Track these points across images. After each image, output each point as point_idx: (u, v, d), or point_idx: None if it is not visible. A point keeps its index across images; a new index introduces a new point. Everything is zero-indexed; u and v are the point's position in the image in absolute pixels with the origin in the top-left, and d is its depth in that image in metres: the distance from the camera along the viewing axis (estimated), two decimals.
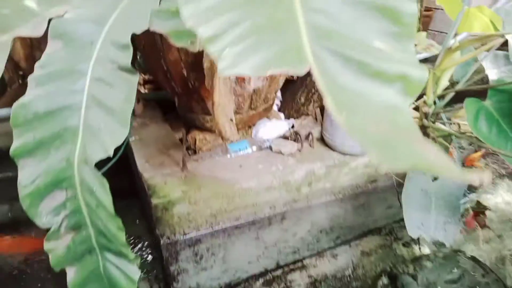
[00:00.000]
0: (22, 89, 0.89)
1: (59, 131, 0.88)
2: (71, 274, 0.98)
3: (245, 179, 1.40)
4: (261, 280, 1.61)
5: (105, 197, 0.85)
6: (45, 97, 0.89)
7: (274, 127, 1.69)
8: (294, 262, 1.67)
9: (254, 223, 1.49)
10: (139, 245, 1.77)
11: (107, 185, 0.85)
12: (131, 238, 1.80)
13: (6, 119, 0.93)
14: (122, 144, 0.87)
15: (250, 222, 1.48)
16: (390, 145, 0.42)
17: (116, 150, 0.88)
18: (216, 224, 1.41)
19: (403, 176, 1.41)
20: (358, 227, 1.80)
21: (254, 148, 1.58)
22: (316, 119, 1.82)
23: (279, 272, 1.64)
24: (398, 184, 1.54)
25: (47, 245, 0.95)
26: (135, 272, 0.96)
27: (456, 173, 0.38)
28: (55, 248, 0.94)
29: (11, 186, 1.40)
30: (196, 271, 1.48)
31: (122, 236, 0.88)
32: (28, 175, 0.88)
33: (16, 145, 0.87)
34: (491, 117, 1.27)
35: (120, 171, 1.37)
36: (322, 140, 1.64)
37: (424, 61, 2.02)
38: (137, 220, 1.91)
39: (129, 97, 0.90)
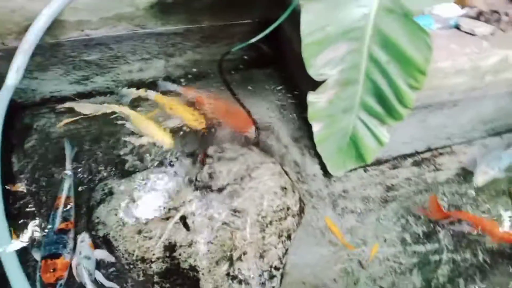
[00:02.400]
0: None
1: None
2: (317, 128, 1.02)
3: (441, 58, 1.33)
4: (410, 160, 1.65)
5: (417, 53, 0.81)
6: None
7: (453, 5, 1.54)
8: (443, 147, 1.69)
9: (427, 107, 1.47)
10: None
11: (427, 39, 0.80)
12: None
13: None
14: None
15: (425, 105, 1.46)
16: None
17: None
18: None
19: None
20: None
21: (438, 25, 1.46)
22: None
23: (427, 154, 1.67)
24: None
25: (310, 97, 0.95)
26: (385, 136, 0.97)
27: None
28: (317, 101, 0.95)
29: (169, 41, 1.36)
30: None
31: (411, 95, 0.86)
32: (314, 22, 0.83)
33: None
34: None
35: None
36: None
37: None
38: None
39: None
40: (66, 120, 1.52)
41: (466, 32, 1.44)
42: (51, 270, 1.05)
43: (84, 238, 1.16)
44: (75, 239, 1.15)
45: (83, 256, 1.12)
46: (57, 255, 1.08)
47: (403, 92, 0.86)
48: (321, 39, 0.83)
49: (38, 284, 1.04)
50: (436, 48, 1.37)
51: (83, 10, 1.50)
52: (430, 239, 1.40)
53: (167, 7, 1.61)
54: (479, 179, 1.51)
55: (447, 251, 1.37)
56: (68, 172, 1.32)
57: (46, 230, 1.15)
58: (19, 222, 1.25)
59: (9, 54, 1.41)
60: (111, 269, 1.15)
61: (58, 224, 1.15)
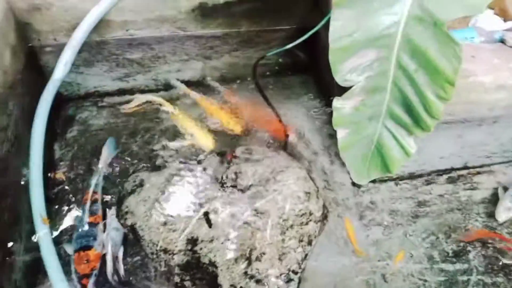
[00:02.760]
0: None
1: None
2: (342, 134, 1.01)
3: (482, 72, 1.28)
4: (445, 176, 1.59)
5: (446, 63, 0.79)
6: None
7: (496, 18, 1.48)
8: (482, 166, 1.62)
9: (464, 121, 1.41)
10: None
11: (457, 49, 0.79)
12: None
13: None
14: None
15: (462, 120, 1.40)
16: None
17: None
18: None
19: None
20: None
21: (482, 38, 1.41)
22: None
23: (464, 172, 1.61)
24: None
25: (335, 103, 0.96)
26: (412, 146, 0.95)
27: None
28: (342, 107, 0.95)
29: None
30: None
31: (439, 106, 0.84)
32: (343, 28, 0.84)
33: None
34: None
35: None
36: None
37: None
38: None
39: None
40: (132, 104, 1.65)
41: (511, 47, 1.37)
42: (85, 262, 1.12)
43: (114, 212, 1.24)
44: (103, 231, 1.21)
45: (113, 227, 1.19)
46: (89, 247, 1.14)
47: (431, 103, 0.84)
48: (349, 45, 0.83)
49: (74, 276, 1.11)
50: (477, 62, 1.33)
51: (128, 11, 1.59)
52: (459, 258, 1.34)
53: (207, 11, 1.66)
54: (502, 215, 1.43)
55: (477, 273, 1.30)
56: (100, 167, 1.38)
57: (77, 224, 1.22)
58: (55, 207, 1.34)
59: (59, 49, 1.52)
60: (136, 257, 1.21)
61: (87, 218, 1.21)
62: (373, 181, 1.53)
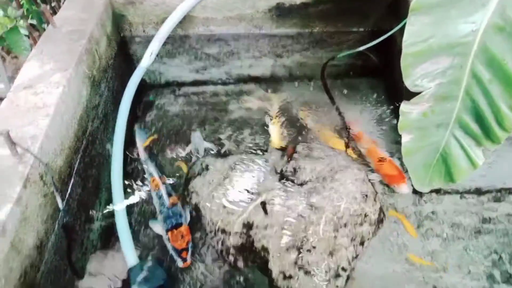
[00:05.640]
0: None
1: None
2: (407, 139, 1.02)
3: None
4: None
5: None
6: None
7: None
8: None
9: None
10: None
11: None
12: None
13: None
14: None
15: None
16: None
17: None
18: None
19: None
20: None
21: None
22: None
23: None
24: None
25: (403, 107, 0.97)
26: (480, 158, 0.93)
27: None
28: (410, 112, 0.95)
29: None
30: None
31: (510, 118, 0.82)
32: (418, 33, 0.85)
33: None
34: None
35: None
36: None
37: None
38: None
39: None
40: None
41: None
42: (180, 237, 1.23)
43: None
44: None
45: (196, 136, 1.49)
46: (179, 224, 1.26)
47: (504, 114, 0.82)
48: (423, 50, 0.84)
49: (173, 252, 1.23)
50: None
51: (210, 9, 1.71)
52: None
53: (283, 11, 1.73)
54: None
55: None
56: (143, 157, 1.50)
57: (160, 209, 1.33)
58: (130, 183, 1.50)
59: (147, 40, 1.69)
60: (197, 234, 1.31)
61: (167, 201, 1.32)
62: (437, 192, 1.49)
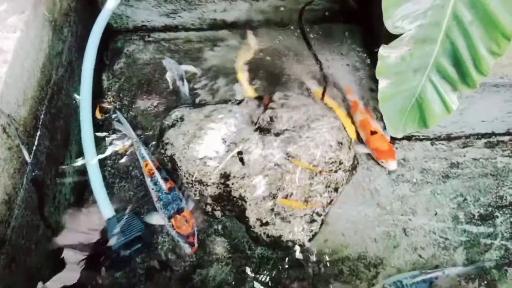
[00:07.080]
0: None
1: None
2: (383, 84, 1.01)
3: None
4: (483, 140, 1.55)
5: (506, 15, 0.76)
6: None
7: None
8: None
9: None
10: None
11: None
12: None
13: None
14: None
15: None
16: None
17: None
18: None
19: None
20: None
21: None
22: None
23: (505, 138, 1.56)
24: None
25: (382, 51, 0.94)
26: (455, 103, 0.94)
27: None
28: (388, 56, 0.93)
29: None
30: None
31: (489, 62, 0.81)
32: None
33: None
34: None
35: None
36: None
37: None
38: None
39: None
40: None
41: None
42: (185, 222, 1.19)
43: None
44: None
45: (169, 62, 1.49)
46: (181, 209, 1.21)
47: (481, 57, 0.81)
48: None
49: (179, 239, 1.18)
50: None
51: None
52: (485, 222, 1.35)
53: None
54: None
55: (502, 238, 1.31)
56: (135, 139, 1.37)
57: (159, 195, 1.24)
58: (101, 134, 1.45)
59: None
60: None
61: (164, 186, 1.24)
62: (409, 139, 1.52)
